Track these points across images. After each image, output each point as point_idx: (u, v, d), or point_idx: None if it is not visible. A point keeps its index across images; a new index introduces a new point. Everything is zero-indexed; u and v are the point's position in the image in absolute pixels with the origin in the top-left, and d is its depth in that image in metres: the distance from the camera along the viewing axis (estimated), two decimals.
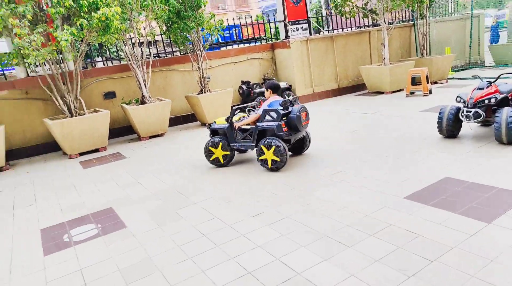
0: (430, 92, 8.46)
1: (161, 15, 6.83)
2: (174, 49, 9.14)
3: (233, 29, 11.16)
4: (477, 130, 5.10)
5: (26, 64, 6.46)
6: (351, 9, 9.42)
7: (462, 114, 4.59)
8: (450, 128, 4.79)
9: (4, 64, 6.22)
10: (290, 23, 9.56)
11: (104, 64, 8.57)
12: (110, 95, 7.84)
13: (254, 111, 4.92)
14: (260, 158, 4.43)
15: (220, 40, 9.98)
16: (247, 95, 8.80)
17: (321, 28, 10.28)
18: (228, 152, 4.77)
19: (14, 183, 5.51)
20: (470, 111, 4.50)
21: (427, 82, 8.34)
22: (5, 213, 4.25)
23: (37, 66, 6.82)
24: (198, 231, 3.20)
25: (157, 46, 10.14)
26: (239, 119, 4.85)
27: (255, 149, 4.57)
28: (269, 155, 4.33)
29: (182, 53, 9.07)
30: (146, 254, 2.92)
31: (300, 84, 9.33)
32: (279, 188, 3.94)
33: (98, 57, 9.19)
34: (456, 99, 4.79)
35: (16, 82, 6.98)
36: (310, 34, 9.92)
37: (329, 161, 4.65)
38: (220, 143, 4.73)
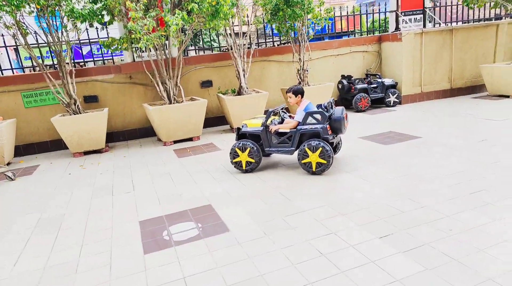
0: None
1: (270, 0, 6.43)
2: (274, 39, 8.74)
3: (333, 20, 10.40)
4: None
5: (134, 49, 6.54)
6: None
7: None
8: None
9: (114, 48, 6.37)
10: (403, 13, 8.53)
11: (195, 53, 8.50)
12: (207, 83, 7.72)
13: (285, 113, 4.79)
14: (303, 161, 4.26)
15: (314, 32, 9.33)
16: (348, 90, 8.07)
17: (438, 19, 9.03)
18: (253, 160, 4.50)
19: (113, 166, 5.58)
20: None
21: None
22: (105, 198, 4.21)
23: (143, 51, 6.91)
24: (315, 249, 2.68)
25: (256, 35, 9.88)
26: (271, 121, 4.56)
27: (295, 153, 4.50)
28: (313, 158, 4.18)
29: (282, 43, 8.64)
30: (257, 270, 2.49)
31: (408, 82, 8.29)
32: (396, 203, 3.25)
33: (191, 46, 9.18)
34: None
35: (123, 66, 7.17)
36: (424, 26, 8.78)
37: (461, 176, 3.79)
38: (248, 149, 4.46)
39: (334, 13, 7.82)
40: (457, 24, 9.29)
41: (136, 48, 6.77)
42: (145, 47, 5.81)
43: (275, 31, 7.82)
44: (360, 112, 7.93)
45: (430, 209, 3.13)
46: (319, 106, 4.51)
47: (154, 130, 7.15)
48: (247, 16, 7.08)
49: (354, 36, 9.25)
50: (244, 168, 4.55)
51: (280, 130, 4.42)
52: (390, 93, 8.12)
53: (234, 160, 4.58)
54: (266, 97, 6.95)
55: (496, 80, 8.04)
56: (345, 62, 8.58)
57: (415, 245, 2.61)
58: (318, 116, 4.23)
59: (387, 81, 8.14)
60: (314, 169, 4.20)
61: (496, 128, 5.55)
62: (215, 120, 7.88)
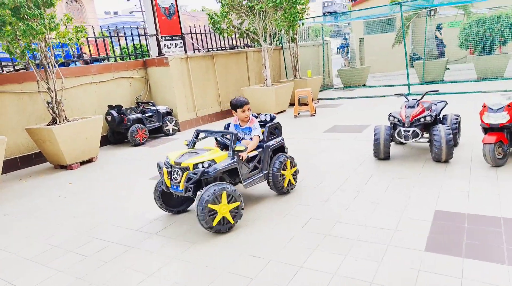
0: (315, 112, 8.43)
1: None
2: (12, 63, 6.62)
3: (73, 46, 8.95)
4: (400, 149, 4.92)
5: None
6: (228, 27, 8.78)
7: (400, 134, 4.26)
8: (388, 149, 4.43)
9: None
10: (164, 38, 8.24)
11: None
12: None
13: (222, 137, 3.76)
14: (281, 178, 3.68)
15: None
16: (119, 122, 7.00)
17: (197, 46, 9.28)
18: (238, 202, 3.10)
19: None
20: (409, 131, 4.19)
21: (313, 103, 8.29)
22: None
23: None
24: None
25: None
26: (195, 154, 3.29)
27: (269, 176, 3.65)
28: (289, 174, 3.73)
29: (17, 69, 6.65)
30: None
31: (182, 108, 8.04)
32: None
33: None
34: (389, 118, 4.46)
35: None
36: (185, 51, 8.81)
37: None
38: (224, 193, 2.99)
39: (88, 32, 6.57)
40: (216, 50, 9.85)
41: None
42: None
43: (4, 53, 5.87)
44: (138, 146, 7.03)
45: None
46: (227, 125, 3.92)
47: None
48: None
49: (115, 61, 8.27)
50: (232, 222, 3.08)
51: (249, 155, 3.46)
52: (167, 121, 7.61)
53: (214, 224, 2.96)
54: (3, 143, 4.98)
55: (257, 100, 8.91)
56: (109, 90, 7.48)
57: None
58: (276, 130, 3.82)
59: (162, 108, 7.61)
60: (285, 186, 3.71)
61: None
62: None
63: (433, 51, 11.59)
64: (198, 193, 3.01)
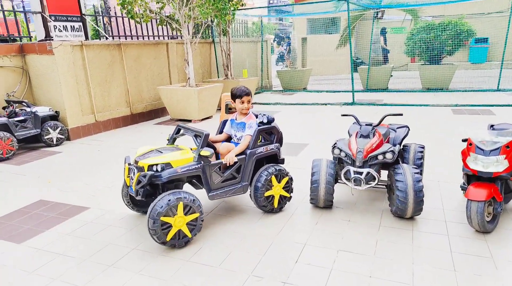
0: None
1: None
2: None
3: None
4: (347, 193, 3.64)
5: None
6: (144, 11, 7.02)
7: (348, 176, 2.96)
8: (330, 196, 3.11)
9: None
10: (54, 17, 6.26)
11: None
12: None
13: (195, 138, 3.04)
14: (266, 194, 3.03)
15: None
16: None
17: (103, 32, 7.38)
18: (197, 214, 2.69)
19: None
20: (361, 173, 2.90)
21: None
22: None
23: None
24: None
25: None
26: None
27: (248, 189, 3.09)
28: (277, 190, 3.08)
29: None
30: None
31: (74, 110, 6.15)
32: None
33: None
34: (333, 151, 3.13)
35: None
36: (87, 38, 6.89)
37: None
38: (180, 203, 2.57)
39: None
40: (126, 39, 8.00)
41: None
42: None
43: None
44: (1, 161, 5.09)
45: None
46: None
47: None
48: None
49: None
50: (190, 235, 2.68)
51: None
52: (49, 128, 5.70)
53: (167, 239, 2.57)
54: None
55: (176, 103, 7.30)
56: None
57: None
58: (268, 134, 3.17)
59: (42, 110, 5.67)
60: (275, 206, 3.10)
61: None
62: None
63: (378, 56, 10.77)
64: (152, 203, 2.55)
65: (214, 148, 3.09)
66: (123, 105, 7.16)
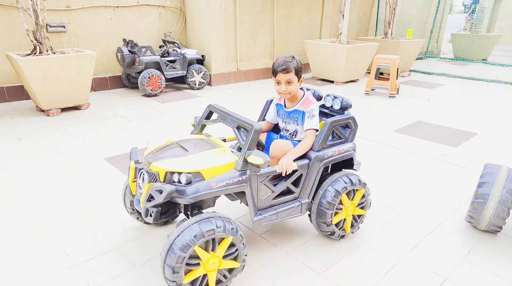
0: (398, 91, 5.94)
1: None
2: None
3: None
4: None
5: None
6: None
7: None
8: (500, 221, 2.17)
9: None
10: None
11: None
12: None
13: (237, 129, 1.83)
14: (334, 220, 2.06)
15: None
16: (130, 63, 5.45)
17: None
18: (237, 264, 1.72)
19: None
20: None
21: (396, 77, 5.78)
22: None
23: None
24: None
25: None
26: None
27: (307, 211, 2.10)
28: (349, 211, 2.10)
29: None
30: None
31: (219, 56, 6.18)
32: None
33: None
34: None
35: None
36: None
37: None
38: (223, 238, 1.66)
39: None
40: None
41: None
42: None
43: None
44: (150, 97, 5.49)
45: None
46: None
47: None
48: None
49: None
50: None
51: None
52: (194, 71, 5.86)
53: (183, 282, 1.58)
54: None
55: (321, 61, 6.66)
56: (130, 19, 5.85)
57: None
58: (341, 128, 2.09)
59: (190, 53, 5.83)
60: (347, 232, 2.16)
61: None
62: None
63: None
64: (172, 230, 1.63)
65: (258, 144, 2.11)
66: (267, 56, 6.90)
